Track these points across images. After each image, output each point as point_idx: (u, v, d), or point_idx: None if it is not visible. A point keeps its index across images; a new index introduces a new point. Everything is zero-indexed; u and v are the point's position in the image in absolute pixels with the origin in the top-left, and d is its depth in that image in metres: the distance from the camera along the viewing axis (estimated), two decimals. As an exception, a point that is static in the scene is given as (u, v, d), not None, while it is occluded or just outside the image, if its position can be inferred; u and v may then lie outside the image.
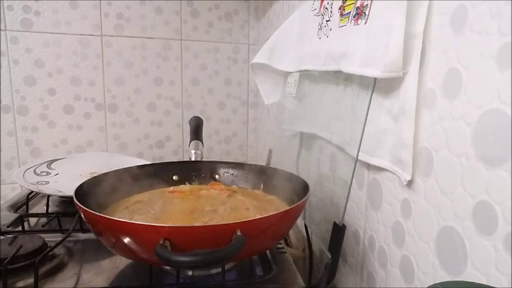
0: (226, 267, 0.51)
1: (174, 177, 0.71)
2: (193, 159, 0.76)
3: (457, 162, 0.36)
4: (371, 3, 0.47)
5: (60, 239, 0.57)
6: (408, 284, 0.45)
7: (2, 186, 1.20)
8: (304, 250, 0.77)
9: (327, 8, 0.60)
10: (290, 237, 0.83)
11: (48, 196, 0.74)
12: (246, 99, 1.38)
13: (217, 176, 0.73)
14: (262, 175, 0.69)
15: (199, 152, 0.77)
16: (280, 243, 0.63)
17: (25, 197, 0.78)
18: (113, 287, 0.50)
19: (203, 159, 0.77)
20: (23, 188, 0.84)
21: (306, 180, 0.58)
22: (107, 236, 0.47)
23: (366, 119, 0.50)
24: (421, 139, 0.42)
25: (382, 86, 0.47)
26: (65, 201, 0.81)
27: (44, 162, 0.89)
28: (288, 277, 0.54)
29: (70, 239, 0.60)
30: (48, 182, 0.80)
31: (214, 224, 0.52)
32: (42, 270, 0.52)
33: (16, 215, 0.71)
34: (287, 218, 0.51)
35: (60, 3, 1.16)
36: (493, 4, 0.32)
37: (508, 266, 0.31)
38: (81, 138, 1.25)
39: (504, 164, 0.31)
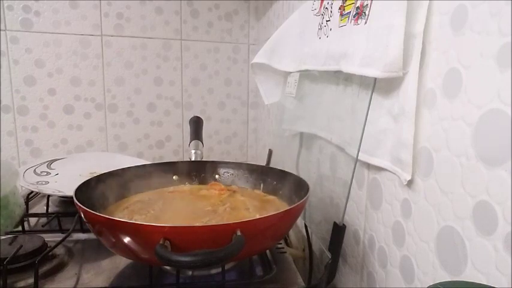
0: (226, 267, 0.52)
1: (174, 177, 0.71)
2: (193, 159, 0.76)
3: (457, 162, 0.36)
4: (371, 3, 0.47)
5: (60, 239, 0.57)
6: (408, 284, 0.45)
7: (2, 186, 1.20)
8: (304, 250, 0.77)
9: (327, 8, 0.60)
10: (290, 237, 0.83)
11: (48, 196, 0.74)
12: (246, 99, 1.38)
13: (217, 176, 0.73)
14: (262, 175, 0.69)
15: (199, 152, 0.77)
16: (280, 243, 0.63)
17: (25, 197, 0.78)
18: (113, 287, 0.50)
19: (203, 159, 0.77)
20: (23, 188, 0.84)
21: (306, 180, 0.58)
22: (107, 236, 0.47)
23: (366, 119, 0.50)
24: (421, 139, 0.42)
25: (382, 86, 0.47)
26: (65, 201, 0.81)
27: (44, 162, 0.89)
28: (288, 277, 0.54)
29: (70, 239, 0.60)
30: (48, 182, 0.80)
31: (214, 224, 0.52)
32: (42, 270, 0.52)
33: (16, 215, 0.71)
34: (287, 218, 0.51)
35: (60, 3, 1.16)
36: (493, 4, 0.32)
37: (508, 266, 0.31)
38: (81, 138, 1.25)
39: (504, 164, 0.31)
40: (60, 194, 0.74)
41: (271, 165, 0.76)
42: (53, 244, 0.55)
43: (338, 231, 0.53)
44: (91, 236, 0.64)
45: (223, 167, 0.74)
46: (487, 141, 0.33)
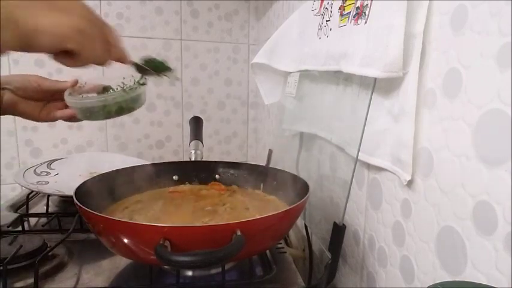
0: (226, 267, 0.52)
1: (174, 177, 0.71)
2: (193, 159, 0.76)
3: (457, 162, 0.36)
4: (371, 3, 0.47)
5: (60, 239, 0.57)
6: (408, 284, 0.45)
7: (2, 186, 1.20)
8: (304, 250, 0.77)
9: (327, 8, 0.60)
10: (290, 237, 0.83)
11: (48, 196, 0.74)
12: (246, 99, 1.38)
13: (217, 176, 0.73)
14: (262, 175, 0.69)
15: (199, 152, 0.77)
16: (280, 243, 0.63)
17: (25, 197, 0.78)
18: (113, 287, 0.50)
19: (203, 159, 0.77)
20: (23, 188, 0.84)
21: (306, 180, 0.58)
22: (107, 236, 0.47)
23: (366, 119, 0.50)
24: (421, 139, 0.42)
25: (382, 86, 0.47)
26: (65, 201, 0.81)
27: (44, 162, 0.89)
28: (288, 277, 0.54)
29: (70, 239, 0.60)
30: (48, 182, 0.80)
31: (214, 224, 0.52)
32: (42, 270, 0.52)
33: (16, 215, 0.71)
34: (287, 218, 0.51)
35: (60, 3, 1.16)
36: (493, 4, 0.32)
37: (508, 266, 0.31)
38: (81, 138, 1.25)
39: (504, 164, 0.31)
40: (60, 194, 0.74)
41: (271, 165, 0.76)
42: (53, 244, 0.55)
43: (338, 231, 0.53)
44: (91, 236, 0.64)
45: (223, 167, 0.74)
46: (487, 141, 0.33)
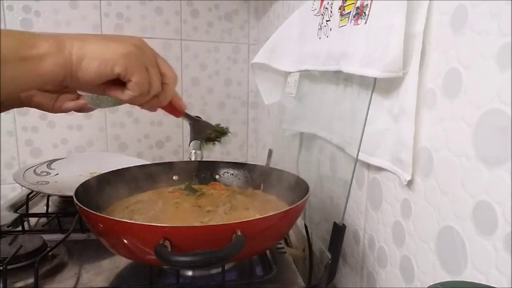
0: (226, 267, 0.52)
1: (174, 177, 0.71)
2: (193, 159, 0.76)
3: (457, 162, 0.36)
4: (371, 3, 0.47)
5: (60, 239, 0.57)
6: (408, 284, 0.45)
7: (2, 186, 1.20)
8: (304, 250, 0.77)
9: (327, 8, 0.60)
10: (290, 237, 0.83)
11: (48, 196, 0.74)
12: (246, 99, 1.38)
13: (217, 176, 0.73)
14: (262, 175, 0.69)
15: (199, 152, 0.77)
16: (280, 243, 0.63)
17: (25, 197, 0.78)
18: (113, 287, 0.50)
19: (203, 159, 0.77)
20: (23, 188, 0.84)
21: (306, 180, 0.58)
22: (107, 236, 0.47)
23: (366, 119, 0.50)
24: (421, 139, 0.42)
25: (382, 86, 0.47)
26: (65, 201, 0.81)
27: (44, 162, 0.89)
28: (288, 277, 0.54)
29: (70, 239, 0.60)
30: (48, 182, 0.80)
31: (214, 224, 0.52)
32: (42, 270, 0.52)
33: (16, 215, 0.71)
34: (287, 218, 0.51)
35: (60, 3, 1.16)
36: (493, 4, 0.32)
37: (508, 266, 0.31)
38: (81, 138, 1.25)
39: (504, 164, 0.31)
40: (60, 194, 0.74)
41: (271, 165, 0.76)
42: (53, 244, 0.55)
43: (338, 231, 0.53)
44: (91, 236, 0.64)
45: (223, 167, 0.74)
46: (487, 141, 0.33)
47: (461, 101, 0.36)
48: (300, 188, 0.57)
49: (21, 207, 0.79)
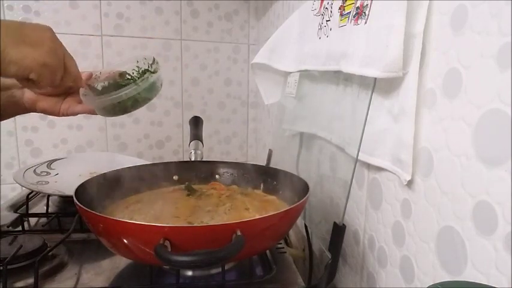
0: (226, 267, 0.52)
1: (174, 177, 0.71)
2: (193, 159, 0.76)
3: (457, 162, 0.36)
4: (371, 3, 0.47)
5: (60, 239, 0.57)
6: (408, 284, 0.45)
7: (2, 186, 1.20)
8: (304, 250, 0.77)
9: (327, 8, 0.60)
10: (290, 237, 0.83)
11: (48, 196, 0.74)
12: (246, 99, 1.38)
13: (217, 176, 0.73)
14: (262, 175, 0.69)
15: (199, 152, 0.77)
16: (280, 243, 0.63)
17: (25, 197, 0.78)
18: (113, 287, 0.50)
19: (203, 159, 0.77)
20: (23, 188, 0.84)
21: (306, 180, 0.58)
22: (107, 236, 0.47)
23: (366, 119, 0.50)
24: (421, 139, 0.42)
25: (382, 86, 0.47)
26: (65, 201, 0.81)
27: (44, 162, 0.89)
28: (288, 277, 0.54)
29: (70, 239, 0.60)
30: (48, 182, 0.80)
31: (214, 224, 0.52)
32: (42, 270, 0.52)
33: (16, 215, 0.71)
34: (287, 218, 0.51)
35: (60, 3, 1.16)
36: (493, 4, 0.32)
37: (508, 266, 0.31)
38: (81, 138, 1.25)
39: (504, 164, 0.31)
40: (60, 194, 0.74)
41: (271, 165, 0.76)
42: (53, 244, 0.55)
43: (338, 231, 0.53)
44: (91, 236, 0.64)
45: (223, 167, 0.74)
46: (487, 141, 0.33)
47: (461, 101, 0.36)
48: (300, 188, 0.57)
49: (21, 207, 0.79)
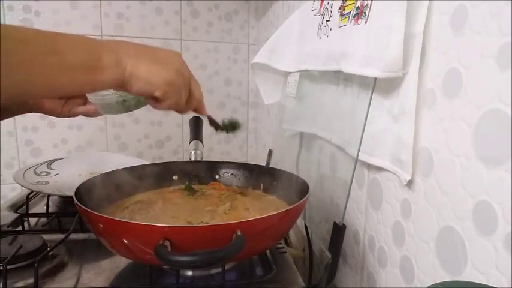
0: (226, 267, 0.52)
1: (174, 177, 0.71)
2: (193, 159, 0.76)
3: (457, 162, 0.36)
4: (371, 3, 0.47)
5: (60, 239, 0.57)
6: (408, 284, 0.45)
7: (2, 186, 1.20)
8: (304, 250, 0.77)
9: (327, 8, 0.60)
10: (290, 237, 0.83)
11: (48, 196, 0.74)
12: (246, 99, 1.38)
13: (217, 176, 0.73)
14: (262, 175, 0.69)
15: (199, 152, 0.77)
16: (280, 243, 0.63)
17: (25, 197, 0.78)
18: (113, 287, 0.50)
19: (203, 159, 0.77)
20: (23, 188, 0.84)
21: (306, 180, 0.58)
22: (107, 236, 0.47)
23: (366, 119, 0.50)
24: (421, 139, 0.42)
25: (382, 86, 0.47)
26: (65, 201, 0.81)
27: (44, 162, 0.89)
28: (288, 277, 0.54)
29: (70, 239, 0.60)
30: (48, 182, 0.80)
31: (214, 224, 0.52)
32: (42, 270, 0.52)
33: (16, 215, 0.71)
34: (287, 218, 0.51)
35: (60, 3, 1.16)
36: (493, 4, 0.32)
37: (508, 266, 0.31)
38: (81, 138, 1.25)
39: (504, 164, 0.31)
40: (60, 194, 0.74)
41: (271, 165, 0.76)
42: (53, 244, 0.55)
43: (338, 231, 0.53)
44: (91, 236, 0.64)
45: (223, 167, 0.74)
46: (487, 141, 0.33)
47: (461, 101, 0.36)
48: (300, 188, 0.57)
49: (21, 207, 0.79)
